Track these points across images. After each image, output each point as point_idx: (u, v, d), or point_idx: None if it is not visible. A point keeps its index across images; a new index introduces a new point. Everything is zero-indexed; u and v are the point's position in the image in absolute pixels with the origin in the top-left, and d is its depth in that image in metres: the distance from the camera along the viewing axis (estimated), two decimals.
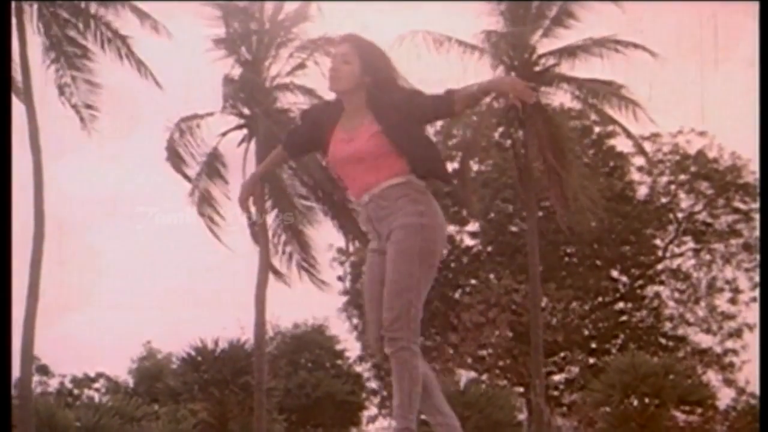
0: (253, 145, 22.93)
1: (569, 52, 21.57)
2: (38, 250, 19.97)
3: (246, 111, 23.14)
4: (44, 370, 36.40)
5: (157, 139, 23.66)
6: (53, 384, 36.90)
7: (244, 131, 23.19)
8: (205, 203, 22.50)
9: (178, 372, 23.11)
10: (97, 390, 37.71)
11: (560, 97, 22.14)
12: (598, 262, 32.05)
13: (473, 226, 32.97)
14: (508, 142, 27.33)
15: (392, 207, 3.85)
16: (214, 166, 22.84)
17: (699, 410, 21.66)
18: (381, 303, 3.88)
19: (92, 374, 37.39)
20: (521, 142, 21.80)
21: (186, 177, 23.18)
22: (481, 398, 20.73)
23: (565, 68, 21.73)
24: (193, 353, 21.89)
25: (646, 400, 20.70)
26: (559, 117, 22.95)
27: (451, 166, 33.44)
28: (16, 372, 21.77)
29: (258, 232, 22.98)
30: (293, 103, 23.27)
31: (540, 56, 21.95)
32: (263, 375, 20.56)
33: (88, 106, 22.34)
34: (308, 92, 23.15)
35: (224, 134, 23.01)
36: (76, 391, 37.10)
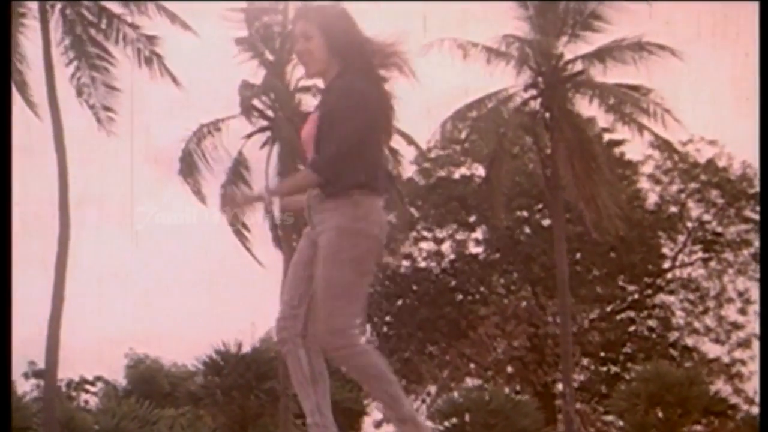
0: (276, 147, 23.02)
1: (597, 56, 21.74)
2: (63, 251, 19.97)
3: (269, 113, 23.24)
4: (41, 374, 36.23)
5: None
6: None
7: (267, 134, 23.28)
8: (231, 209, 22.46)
9: (199, 376, 23.10)
10: (94, 394, 37.70)
11: (587, 103, 22.28)
12: (608, 271, 32.25)
13: (481, 233, 33.13)
14: (517, 148, 27.75)
15: (330, 204, 3.66)
16: (238, 170, 22.90)
17: (719, 421, 21.88)
18: (295, 286, 3.79)
19: (90, 377, 37.31)
20: (549, 148, 21.92)
21: (196, 190, 23.12)
22: (507, 406, 20.85)
23: (593, 72, 21.90)
24: (215, 357, 21.90)
25: (671, 410, 20.92)
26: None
27: (459, 173, 33.81)
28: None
29: (280, 236, 23.02)
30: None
31: (567, 62, 22.11)
32: (288, 380, 20.58)
33: (106, 108, 22.36)
34: None
35: (249, 136, 23.07)
36: (73, 394, 37.01)
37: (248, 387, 21.08)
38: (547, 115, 21.70)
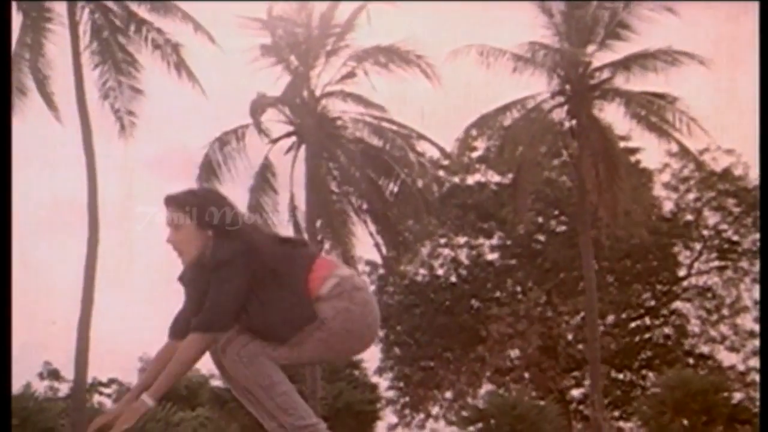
0: (302, 152, 23.10)
1: (624, 65, 21.82)
2: (92, 253, 20.03)
3: (294, 118, 23.33)
4: (55, 375, 36.31)
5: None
6: (63, 389, 36.83)
7: (293, 139, 23.37)
8: (258, 217, 22.58)
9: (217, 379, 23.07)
10: (108, 396, 37.71)
11: (614, 111, 22.38)
12: (624, 277, 32.33)
13: (497, 239, 33.19)
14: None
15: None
16: (264, 175, 22.98)
17: (743, 429, 21.91)
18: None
19: (104, 380, 37.33)
20: (575, 155, 22.00)
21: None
22: (531, 412, 20.88)
23: (620, 81, 21.99)
24: None
25: (695, 418, 20.95)
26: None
27: (472, 179, 33.90)
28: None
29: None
30: (343, 111, 23.49)
31: (594, 70, 22.20)
32: (317, 383, 20.67)
33: (130, 113, 22.43)
34: (358, 99, 23.31)
35: (274, 141, 23.15)
36: (87, 396, 37.02)
37: None
38: (574, 122, 21.78)
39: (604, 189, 20.88)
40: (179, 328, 3.80)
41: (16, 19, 21.17)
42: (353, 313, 3.73)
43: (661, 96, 21.67)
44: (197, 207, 3.75)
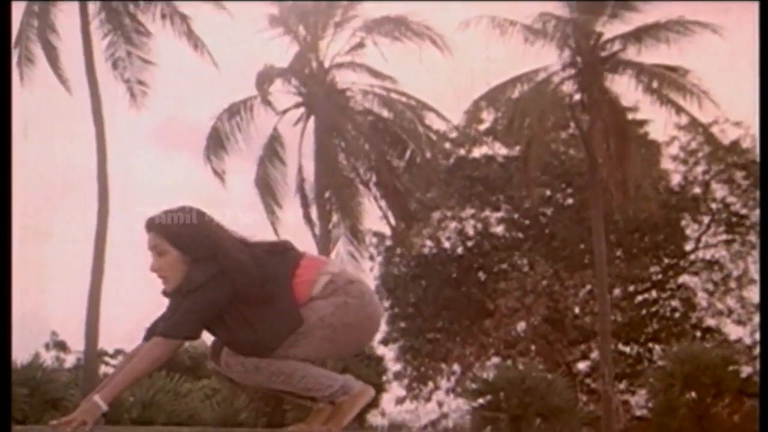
0: (311, 123, 23.03)
1: (635, 36, 21.69)
2: (103, 223, 20.01)
3: (303, 90, 23.24)
4: (62, 346, 36.38)
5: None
6: (70, 360, 36.92)
7: (302, 110, 23.29)
8: (266, 189, 22.54)
9: None
10: (114, 366, 37.76)
11: (622, 83, 22.27)
12: (631, 251, 32.31)
13: (504, 212, 33.15)
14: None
15: None
16: (273, 147, 22.90)
17: (752, 403, 21.92)
18: None
19: (110, 350, 37.40)
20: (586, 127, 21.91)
21: (219, 170, 23.08)
22: (541, 384, 20.88)
23: (631, 53, 21.86)
24: None
25: (704, 392, 20.95)
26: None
27: (479, 151, 33.81)
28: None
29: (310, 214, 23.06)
30: (352, 82, 23.40)
31: (605, 42, 22.06)
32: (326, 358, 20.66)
33: (140, 83, 22.31)
34: (368, 71, 23.22)
35: (283, 113, 23.07)
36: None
37: None
38: (585, 95, 21.67)
39: (616, 163, 20.79)
40: (152, 330, 3.81)
41: None
42: (351, 306, 3.76)
43: (673, 69, 21.54)
44: (182, 236, 3.72)
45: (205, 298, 3.64)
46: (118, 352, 37.84)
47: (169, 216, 3.77)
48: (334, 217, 23.94)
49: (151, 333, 3.81)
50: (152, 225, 3.77)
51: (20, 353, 26.32)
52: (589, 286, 31.03)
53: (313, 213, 23.20)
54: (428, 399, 32.94)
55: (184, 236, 3.71)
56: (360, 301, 3.77)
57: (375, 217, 24.97)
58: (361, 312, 3.78)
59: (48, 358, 33.81)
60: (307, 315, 3.72)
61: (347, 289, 3.76)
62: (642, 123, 31.91)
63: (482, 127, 32.72)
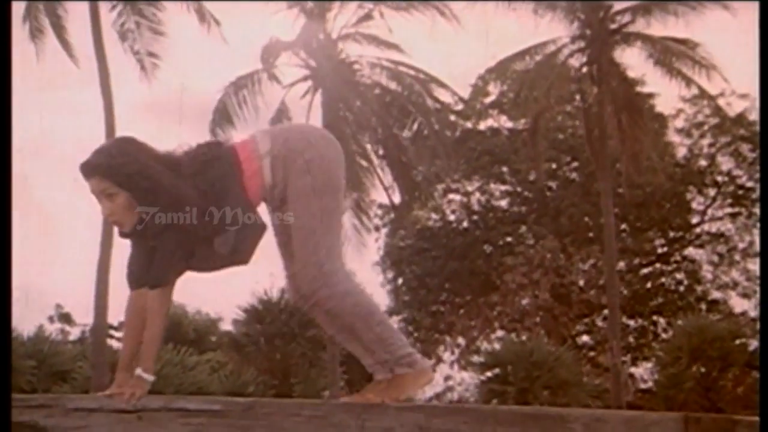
0: (318, 96, 22.98)
1: (644, 8, 21.62)
2: None
3: (311, 62, 23.17)
4: (66, 319, 36.49)
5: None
6: (75, 332, 37.02)
7: (309, 83, 23.23)
8: None
9: (241, 323, 23.23)
10: (117, 339, 37.89)
11: (628, 56, 22.22)
12: (636, 224, 32.36)
13: (510, 185, 33.16)
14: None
15: None
16: (280, 121, 22.83)
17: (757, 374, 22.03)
18: None
19: (115, 323, 37.47)
20: (595, 101, 21.87)
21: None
22: (549, 358, 20.97)
23: (640, 25, 21.81)
24: (256, 304, 22.01)
25: (711, 365, 21.06)
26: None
27: (485, 124, 33.78)
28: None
29: None
30: (360, 55, 23.33)
31: (615, 14, 22.00)
32: None
33: (151, 54, 22.22)
34: (376, 43, 23.14)
35: (290, 86, 23.03)
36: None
37: (291, 335, 21.19)
38: (594, 68, 21.63)
39: (628, 135, 20.77)
40: (135, 279, 3.69)
41: None
42: (324, 159, 3.67)
43: (682, 41, 21.49)
44: (125, 175, 3.50)
45: (171, 240, 3.54)
46: (122, 324, 38.03)
47: (105, 155, 3.55)
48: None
49: (133, 281, 3.71)
50: (92, 168, 3.54)
51: (25, 325, 26.44)
52: (593, 260, 31.09)
53: None
54: (432, 371, 33.06)
55: (127, 174, 3.50)
56: (322, 152, 3.68)
57: (380, 189, 25.01)
58: (326, 160, 3.68)
59: (53, 330, 33.95)
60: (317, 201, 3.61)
61: (294, 148, 3.63)
62: (649, 96, 31.94)
63: (488, 100, 32.71)
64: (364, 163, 24.01)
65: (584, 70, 21.96)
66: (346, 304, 3.67)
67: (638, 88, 31.82)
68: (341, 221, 3.85)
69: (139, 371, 3.62)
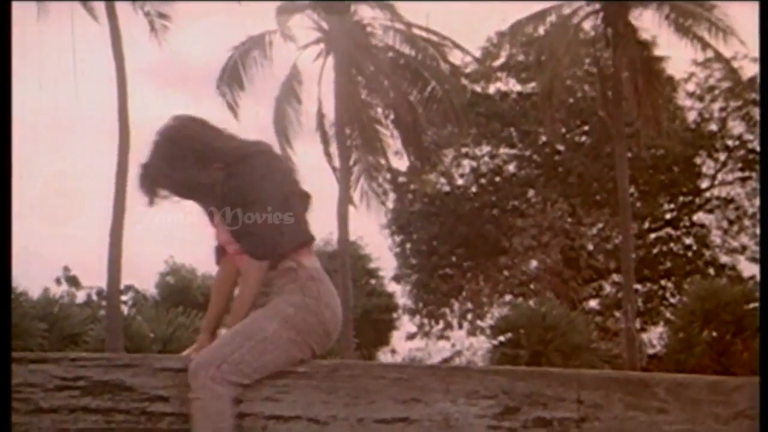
0: (330, 59, 22.91)
1: None
2: (124, 160, 20.02)
3: (323, 25, 23.10)
4: (73, 281, 36.53)
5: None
6: (81, 296, 37.06)
7: (321, 46, 23.17)
8: (282, 123, 22.49)
9: None
10: (124, 303, 38.00)
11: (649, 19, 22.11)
12: (646, 188, 32.35)
13: (518, 149, 33.14)
14: None
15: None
16: (290, 84, 22.80)
17: None
18: None
19: (121, 287, 37.45)
20: (610, 64, 21.81)
21: (232, 103, 22.94)
22: (562, 322, 21.04)
23: None
24: None
25: (724, 329, 21.11)
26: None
27: (494, 87, 33.71)
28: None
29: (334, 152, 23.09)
30: (373, 17, 23.27)
31: None
32: (348, 292, 20.84)
33: (162, 15, 22.10)
34: (386, 7, 23.06)
35: (305, 47, 22.97)
36: (103, 303, 37.28)
37: None
38: (609, 30, 21.54)
39: (643, 100, 20.72)
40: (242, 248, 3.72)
41: None
42: (309, 306, 3.66)
43: (698, 3, 21.39)
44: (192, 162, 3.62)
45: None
46: (128, 288, 38.11)
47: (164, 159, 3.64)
48: (354, 154, 23.94)
49: (219, 253, 3.83)
50: (158, 177, 3.67)
51: (31, 287, 26.52)
52: (601, 224, 31.12)
53: (333, 150, 23.20)
54: (440, 336, 33.21)
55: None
56: (317, 303, 3.66)
57: (390, 153, 24.99)
58: (318, 314, 3.65)
59: (59, 292, 34.07)
60: (270, 320, 3.60)
61: (305, 286, 3.66)
62: (661, 59, 31.84)
63: (497, 63, 32.62)
64: (376, 126, 24.01)
65: (599, 32, 21.83)
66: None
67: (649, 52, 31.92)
68: None
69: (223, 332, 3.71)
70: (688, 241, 33.22)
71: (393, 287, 35.77)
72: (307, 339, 3.61)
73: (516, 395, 3.54)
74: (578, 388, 3.52)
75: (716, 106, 32.49)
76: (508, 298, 30.42)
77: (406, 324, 35.80)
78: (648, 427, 3.46)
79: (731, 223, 32.64)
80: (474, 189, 32.84)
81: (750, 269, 32.54)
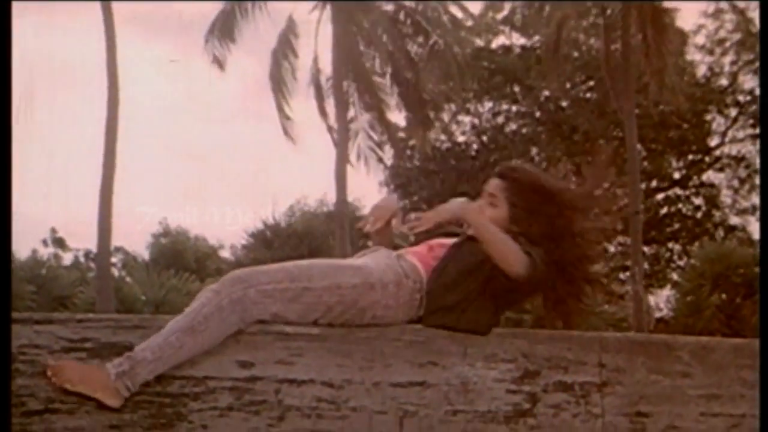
0: (327, 11, 22.79)
1: None
2: (113, 117, 19.97)
3: None
4: (60, 243, 36.52)
5: None
6: (68, 258, 37.06)
7: None
8: (278, 82, 22.39)
9: (249, 248, 23.31)
10: (113, 265, 38.03)
11: None
12: (655, 146, 32.29)
13: (522, 106, 33.06)
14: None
15: None
16: (286, 37, 22.67)
17: None
18: None
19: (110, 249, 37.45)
20: (617, 15, 21.69)
21: (220, 56, 22.79)
22: None
23: None
24: (263, 229, 22.07)
25: (733, 292, 21.20)
26: None
27: (496, 42, 33.57)
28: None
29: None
30: None
31: None
32: (346, 255, 20.83)
33: None
34: None
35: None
36: (92, 265, 37.34)
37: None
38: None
39: (652, 52, 20.61)
40: None
41: None
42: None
43: None
44: (520, 202, 3.81)
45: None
46: (117, 249, 38.12)
47: (523, 172, 3.90)
48: (352, 111, 23.90)
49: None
50: (503, 172, 3.92)
51: (19, 248, 26.52)
52: (607, 184, 31.01)
53: (329, 106, 23.15)
54: None
55: (523, 202, 3.83)
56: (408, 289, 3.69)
57: (388, 109, 24.93)
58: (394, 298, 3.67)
59: (45, 254, 34.08)
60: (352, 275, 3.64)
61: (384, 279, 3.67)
62: (669, 10, 31.65)
63: (500, 15, 32.47)
64: (376, 79, 23.94)
65: None
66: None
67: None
68: None
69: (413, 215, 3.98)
70: (697, 201, 33.19)
71: None
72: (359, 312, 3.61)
73: (536, 359, 3.57)
74: (600, 351, 3.55)
75: (727, 59, 32.35)
76: None
77: None
78: (671, 391, 3.49)
79: (742, 182, 32.60)
80: (475, 146, 32.78)
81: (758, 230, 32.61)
